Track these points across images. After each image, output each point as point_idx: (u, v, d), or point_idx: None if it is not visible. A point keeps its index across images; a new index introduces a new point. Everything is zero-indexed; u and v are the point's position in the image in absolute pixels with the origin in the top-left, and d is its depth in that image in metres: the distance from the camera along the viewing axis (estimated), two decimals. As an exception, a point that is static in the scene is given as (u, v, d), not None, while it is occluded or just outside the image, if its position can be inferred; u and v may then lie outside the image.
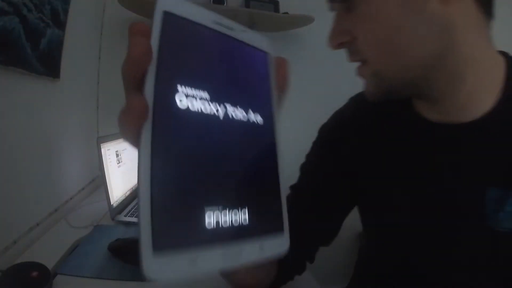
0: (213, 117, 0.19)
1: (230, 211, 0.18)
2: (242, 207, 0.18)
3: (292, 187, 0.54)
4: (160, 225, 0.15)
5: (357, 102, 0.54)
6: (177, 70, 0.18)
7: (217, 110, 0.19)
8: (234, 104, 0.20)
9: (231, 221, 0.17)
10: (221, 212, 0.17)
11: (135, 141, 0.17)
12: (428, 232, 0.43)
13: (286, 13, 1.37)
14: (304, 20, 1.35)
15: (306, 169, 0.54)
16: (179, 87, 0.18)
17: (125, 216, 0.92)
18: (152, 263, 0.14)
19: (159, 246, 0.14)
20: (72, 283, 0.62)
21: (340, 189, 0.51)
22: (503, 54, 0.40)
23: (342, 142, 0.51)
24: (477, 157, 0.38)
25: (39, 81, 0.83)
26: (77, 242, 0.77)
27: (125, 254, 0.69)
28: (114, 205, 0.92)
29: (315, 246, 0.53)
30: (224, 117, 0.19)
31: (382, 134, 0.47)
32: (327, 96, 0.99)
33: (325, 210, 0.50)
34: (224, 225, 0.17)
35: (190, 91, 0.18)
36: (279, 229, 0.20)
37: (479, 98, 0.38)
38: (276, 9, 1.41)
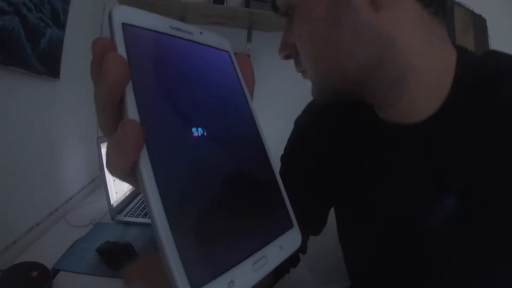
0: (203, 135, 0.18)
1: (246, 224, 0.18)
2: (255, 216, 0.18)
3: None
4: (191, 261, 0.14)
5: None
6: (153, 86, 0.17)
7: (203, 120, 0.18)
8: (217, 111, 0.20)
9: (249, 233, 0.17)
10: (239, 228, 0.17)
11: (129, 173, 0.15)
12: (374, 233, 0.44)
13: (286, 13, 1.37)
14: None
15: (284, 161, 0.55)
16: (161, 105, 0.17)
17: (125, 216, 0.92)
18: None
19: (196, 283, 0.14)
20: (70, 280, 0.62)
21: (315, 182, 0.52)
22: (458, 49, 0.38)
23: (315, 137, 0.52)
24: (414, 161, 0.39)
25: (39, 81, 0.83)
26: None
27: (110, 258, 0.68)
28: (114, 205, 0.92)
29: (304, 236, 0.54)
30: (211, 127, 0.18)
31: (346, 130, 0.48)
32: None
33: (308, 201, 0.51)
34: (244, 240, 0.17)
35: (172, 106, 0.17)
36: (289, 225, 0.20)
37: (423, 102, 0.37)
38: (276, 9, 1.41)
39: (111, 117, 0.16)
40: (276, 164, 0.22)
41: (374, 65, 0.34)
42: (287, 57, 0.41)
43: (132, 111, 0.15)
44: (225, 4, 1.32)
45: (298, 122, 0.56)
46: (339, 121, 0.49)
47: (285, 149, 0.56)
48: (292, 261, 0.55)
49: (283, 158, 0.55)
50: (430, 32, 0.35)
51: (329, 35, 0.34)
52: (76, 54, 0.99)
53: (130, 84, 0.16)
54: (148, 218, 0.91)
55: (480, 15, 1.79)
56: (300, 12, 0.36)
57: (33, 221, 0.81)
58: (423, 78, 0.35)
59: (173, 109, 0.17)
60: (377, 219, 0.43)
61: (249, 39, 1.46)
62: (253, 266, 0.16)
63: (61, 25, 0.90)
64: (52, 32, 0.85)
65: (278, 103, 1.44)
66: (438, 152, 0.36)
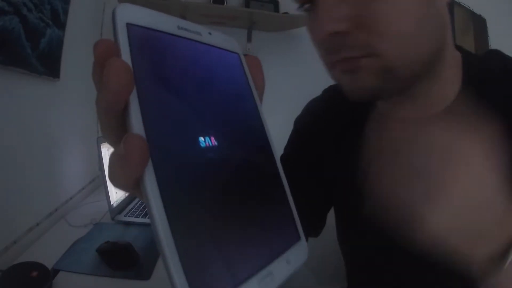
0: (212, 145, 0.17)
1: (253, 240, 0.17)
2: (264, 231, 0.18)
3: None
4: (197, 281, 0.14)
5: (330, 95, 0.54)
6: (160, 93, 0.16)
7: (211, 130, 0.17)
8: (225, 119, 0.19)
9: (257, 249, 0.17)
10: (245, 245, 0.16)
11: (133, 187, 0.15)
12: (380, 233, 0.42)
13: (286, 13, 1.37)
14: (304, 20, 1.35)
15: (284, 160, 0.54)
16: (167, 116, 0.16)
17: (125, 216, 0.92)
18: None
19: None
20: (70, 280, 0.62)
21: (316, 182, 0.51)
22: (458, 48, 0.40)
23: (315, 136, 0.51)
24: (440, 151, 0.38)
25: (39, 81, 0.83)
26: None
27: (110, 258, 0.68)
28: (114, 205, 0.92)
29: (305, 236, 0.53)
30: (220, 137, 0.18)
31: (350, 130, 0.47)
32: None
33: (305, 201, 0.50)
34: (251, 257, 0.16)
35: (180, 119, 0.16)
36: (296, 238, 0.20)
37: (444, 93, 0.38)
38: (276, 9, 1.41)
39: (114, 125, 0.15)
40: (283, 172, 0.21)
41: (435, 53, 0.35)
42: (333, 35, 0.31)
43: (136, 123, 0.14)
44: (225, 4, 1.32)
45: (298, 122, 0.56)
46: (340, 120, 0.48)
47: (285, 149, 0.56)
48: None
49: (283, 158, 0.55)
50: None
51: (422, 10, 0.31)
52: (76, 54, 0.99)
53: (134, 91, 0.14)
54: (148, 218, 0.91)
55: (480, 15, 1.79)
56: None
57: (33, 221, 0.81)
58: (450, 70, 0.37)
59: (180, 118, 0.16)
60: (387, 219, 0.42)
61: (249, 39, 1.46)
62: (260, 283, 0.16)
63: (61, 25, 0.90)
64: (52, 32, 0.85)
65: (278, 103, 1.43)
66: (451, 143, 0.37)
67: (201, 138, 0.17)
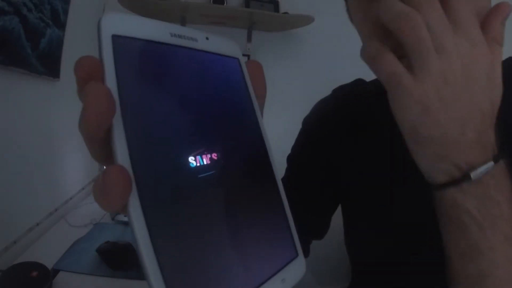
0: (203, 165, 0.16)
1: (245, 260, 0.16)
2: (257, 251, 0.17)
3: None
4: None
5: (340, 95, 0.54)
6: (148, 114, 0.15)
7: (205, 150, 0.17)
8: (221, 137, 0.18)
9: (250, 270, 0.16)
10: (237, 266, 0.16)
11: (118, 211, 0.14)
12: (391, 233, 0.42)
13: (286, 13, 1.37)
14: (304, 20, 1.35)
15: (291, 161, 0.54)
16: (156, 138, 0.15)
17: (125, 216, 0.92)
18: None
19: None
20: (70, 280, 0.62)
21: (324, 183, 0.50)
22: None
23: (324, 137, 0.50)
24: None
25: (39, 81, 0.83)
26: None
27: (111, 258, 0.69)
28: (114, 205, 0.92)
29: (307, 239, 0.53)
30: (213, 155, 0.17)
31: (363, 130, 0.46)
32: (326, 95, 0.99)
33: (312, 202, 0.50)
34: (244, 277, 0.16)
35: (169, 139, 0.15)
36: (294, 255, 0.19)
37: None
38: (276, 9, 1.41)
39: (99, 149, 0.15)
40: (280, 179, 0.20)
41: None
42: None
43: (119, 149, 0.13)
44: (225, 4, 1.32)
45: (306, 122, 0.55)
46: (351, 121, 0.47)
47: (293, 149, 0.55)
48: None
49: (291, 159, 0.54)
50: None
51: None
52: (76, 54, 0.98)
53: (119, 114, 0.14)
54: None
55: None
56: None
57: (33, 221, 0.81)
58: None
59: (170, 138, 0.15)
60: (398, 220, 0.41)
61: (249, 39, 1.46)
62: None
63: (61, 25, 0.90)
64: (52, 32, 0.85)
65: (278, 104, 1.44)
66: None
67: (191, 158, 0.16)
